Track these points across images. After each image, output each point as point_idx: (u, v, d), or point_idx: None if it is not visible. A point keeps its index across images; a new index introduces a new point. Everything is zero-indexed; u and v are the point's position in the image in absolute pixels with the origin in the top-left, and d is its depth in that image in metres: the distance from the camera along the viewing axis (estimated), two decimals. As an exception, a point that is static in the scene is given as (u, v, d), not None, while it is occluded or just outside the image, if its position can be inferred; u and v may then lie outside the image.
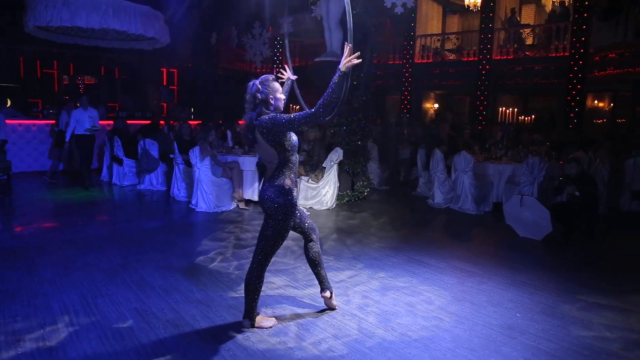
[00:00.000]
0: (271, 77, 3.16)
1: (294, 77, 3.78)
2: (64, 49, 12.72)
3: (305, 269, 4.54)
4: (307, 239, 3.55)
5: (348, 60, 2.94)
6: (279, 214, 3.08)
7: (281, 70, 3.83)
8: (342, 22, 7.82)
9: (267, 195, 3.09)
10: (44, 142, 10.39)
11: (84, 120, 8.52)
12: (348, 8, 3.10)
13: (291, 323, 3.46)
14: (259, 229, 6.01)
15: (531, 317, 3.68)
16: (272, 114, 3.05)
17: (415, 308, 3.80)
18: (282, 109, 3.18)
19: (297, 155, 3.23)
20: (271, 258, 3.23)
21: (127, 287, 4.05)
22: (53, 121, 10.52)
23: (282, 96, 3.17)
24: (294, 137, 3.16)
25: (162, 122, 11.20)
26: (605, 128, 13.74)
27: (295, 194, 3.15)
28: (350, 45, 2.97)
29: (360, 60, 3.04)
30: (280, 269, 4.59)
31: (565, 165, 7.06)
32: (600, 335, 3.44)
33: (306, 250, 3.57)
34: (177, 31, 10.24)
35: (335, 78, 2.94)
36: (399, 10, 7.76)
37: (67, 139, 8.59)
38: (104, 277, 4.29)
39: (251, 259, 3.25)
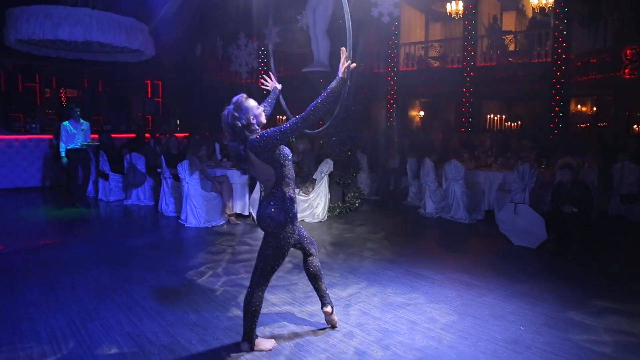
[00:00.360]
0: (242, 97, 3.00)
1: (279, 86, 3.67)
2: (46, 61, 12.48)
3: (302, 286, 4.45)
4: (307, 253, 3.46)
5: (346, 65, 2.89)
6: (280, 231, 2.98)
7: (265, 77, 3.71)
8: (329, 31, 7.78)
9: (266, 213, 2.98)
10: (26, 158, 10.14)
11: (76, 133, 8.03)
12: (346, 9, 3.03)
13: (290, 343, 3.34)
14: (252, 243, 5.99)
15: (535, 330, 3.62)
16: (260, 132, 2.95)
17: (417, 324, 3.71)
18: (265, 122, 3.09)
19: (292, 168, 3.13)
20: (271, 278, 3.12)
21: (117, 308, 3.90)
22: (38, 135, 10.31)
23: (260, 110, 3.02)
24: (285, 149, 3.06)
25: (147, 135, 11.02)
26: (589, 132, 13.91)
27: (295, 209, 3.05)
28: (343, 48, 2.92)
29: (355, 64, 3.00)
30: (276, 286, 4.47)
31: (559, 172, 7.08)
32: (605, 341, 3.40)
33: (306, 265, 3.47)
34: (162, 43, 10.10)
35: (333, 83, 2.91)
36: (385, 19, 7.74)
37: (62, 154, 7.97)
38: (93, 298, 4.12)
39: (250, 280, 3.13)
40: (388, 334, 3.52)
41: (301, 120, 2.85)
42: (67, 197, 8.56)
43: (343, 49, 2.94)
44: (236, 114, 2.91)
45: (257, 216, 3.08)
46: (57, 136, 9.51)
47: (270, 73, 3.75)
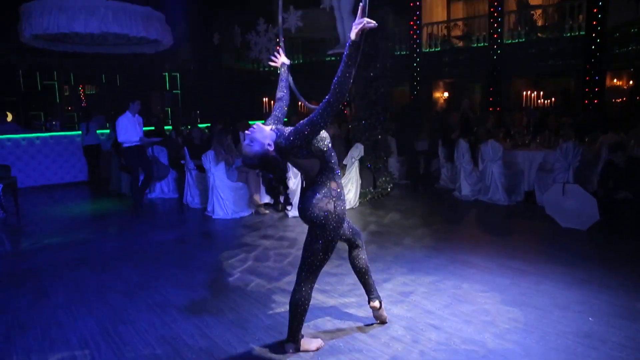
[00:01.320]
0: (245, 151, 2.64)
1: (287, 62, 3.23)
2: (63, 58, 12.36)
3: (344, 277, 4.15)
4: (353, 245, 3.16)
5: (361, 25, 2.32)
6: (330, 222, 2.66)
7: (274, 54, 3.29)
8: (354, 11, 7.39)
9: (312, 204, 2.66)
10: (48, 156, 10.03)
11: (134, 128, 7.00)
12: None
13: (339, 342, 3.05)
14: (282, 234, 5.71)
15: (607, 322, 3.25)
16: (285, 135, 2.60)
17: (474, 317, 3.37)
18: (282, 122, 2.82)
19: (334, 152, 2.80)
20: (319, 273, 2.81)
21: (149, 310, 3.65)
22: (59, 133, 10.19)
23: (267, 131, 2.64)
24: (323, 133, 2.69)
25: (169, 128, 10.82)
26: (628, 107, 13.19)
27: (343, 197, 2.73)
28: (362, 4, 2.43)
29: (375, 24, 2.50)
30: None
31: (604, 150, 6.64)
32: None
33: (352, 259, 3.18)
34: (179, 32, 9.83)
35: (347, 50, 2.38)
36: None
37: (125, 146, 7.02)
38: (123, 299, 3.89)
39: (296, 276, 2.83)
40: (445, 329, 3.20)
41: (327, 104, 2.44)
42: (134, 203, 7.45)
43: (361, 4, 2.44)
44: (265, 172, 2.66)
45: (300, 208, 2.75)
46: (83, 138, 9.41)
47: (279, 48, 3.34)
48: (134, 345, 3.08)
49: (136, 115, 7.17)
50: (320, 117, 2.47)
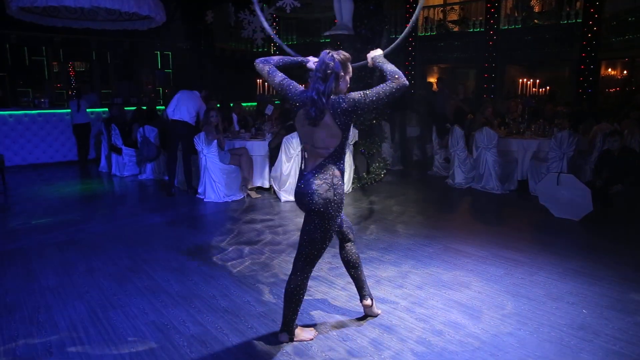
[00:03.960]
0: (349, 56, 2.66)
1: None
2: (52, 33, 12.04)
3: (337, 264, 4.11)
4: (345, 239, 3.06)
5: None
6: (330, 210, 2.58)
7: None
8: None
9: (312, 190, 2.57)
10: (37, 134, 9.82)
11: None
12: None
13: (333, 333, 3.02)
14: (274, 219, 5.65)
15: (600, 314, 3.26)
16: (344, 96, 2.54)
17: (468, 307, 3.36)
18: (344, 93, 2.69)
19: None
20: (316, 263, 2.76)
21: (140, 294, 3.60)
22: (48, 110, 9.95)
23: (348, 80, 2.68)
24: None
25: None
26: (622, 97, 13.20)
27: (342, 186, 2.66)
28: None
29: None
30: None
31: (608, 139, 6.62)
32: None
33: (344, 253, 3.06)
34: (171, 9, 9.59)
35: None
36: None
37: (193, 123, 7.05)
38: (113, 283, 3.83)
39: (292, 265, 2.77)
40: (439, 319, 3.18)
41: (398, 86, 2.57)
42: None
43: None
44: (336, 56, 2.56)
45: (299, 191, 2.64)
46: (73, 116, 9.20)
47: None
48: (124, 332, 3.02)
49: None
50: (385, 96, 2.55)
